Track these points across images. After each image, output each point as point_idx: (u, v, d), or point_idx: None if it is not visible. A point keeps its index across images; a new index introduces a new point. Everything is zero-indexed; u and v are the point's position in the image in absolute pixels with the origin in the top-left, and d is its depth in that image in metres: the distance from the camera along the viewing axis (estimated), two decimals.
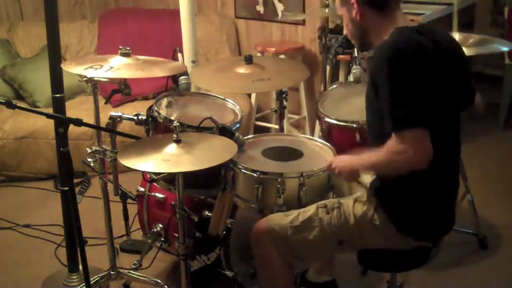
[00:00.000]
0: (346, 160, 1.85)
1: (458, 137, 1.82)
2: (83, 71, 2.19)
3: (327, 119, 2.47)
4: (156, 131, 2.28)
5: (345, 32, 1.89)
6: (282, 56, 3.88)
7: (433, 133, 1.60)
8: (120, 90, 2.26)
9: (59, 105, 2.41)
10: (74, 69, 2.21)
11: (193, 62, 3.13)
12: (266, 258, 1.94)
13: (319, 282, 2.33)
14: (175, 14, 3.22)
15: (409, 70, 1.60)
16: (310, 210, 1.90)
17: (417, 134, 1.58)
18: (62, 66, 2.31)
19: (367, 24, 1.78)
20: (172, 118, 2.20)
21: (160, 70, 2.33)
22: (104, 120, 2.31)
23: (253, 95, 4.10)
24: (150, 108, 2.34)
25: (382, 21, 1.75)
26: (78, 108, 3.77)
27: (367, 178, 2.03)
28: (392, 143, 1.61)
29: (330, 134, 2.49)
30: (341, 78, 3.77)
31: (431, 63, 1.64)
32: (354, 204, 1.86)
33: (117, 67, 2.22)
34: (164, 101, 2.40)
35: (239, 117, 2.36)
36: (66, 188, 2.38)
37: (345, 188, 2.13)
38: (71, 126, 1.90)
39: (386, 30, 1.72)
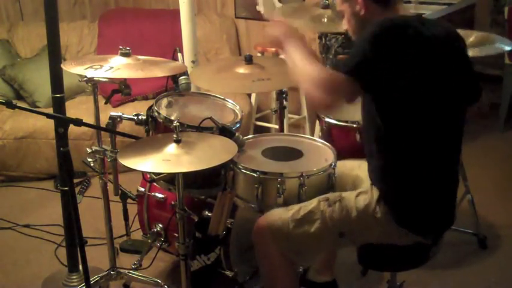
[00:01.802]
0: (290, 31, 1.88)
1: (461, 130, 1.83)
2: (83, 71, 2.19)
3: (327, 119, 2.47)
4: (156, 131, 2.28)
5: (344, 27, 1.89)
6: (282, 56, 3.87)
7: (434, 124, 1.61)
8: (120, 90, 2.26)
9: (59, 105, 2.41)
10: (74, 69, 2.21)
11: (193, 62, 3.12)
12: (268, 255, 1.94)
13: (319, 282, 2.33)
14: (175, 14, 3.21)
15: (383, 36, 1.61)
16: (312, 203, 1.90)
17: (348, 83, 1.60)
18: (62, 66, 2.31)
19: (371, 19, 1.77)
20: (172, 118, 2.20)
21: (160, 70, 2.33)
22: (104, 120, 2.31)
23: (253, 95, 4.10)
24: (150, 108, 2.34)
25: (386, 15, 1.75)
26: (78, 108, 3.77)
27: (364, 174, 2.03)
28: (327, 77, 1.63)
29: (330, 134, 2.49)
30: None
31: (419, 47, 1.64)
32: (356, 198, 1.86)
33: (117, 67, 2.22)
34: (164, 101, 2.40)
35: (239, 117, 2.36)
36: (66, 188, 2.39)
37: (347, 185, 2.13)
38: (71, 126, 1.90)
39: None
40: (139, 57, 2.34)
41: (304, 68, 1.71)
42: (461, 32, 2.85)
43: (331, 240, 1.90)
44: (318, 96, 1.63)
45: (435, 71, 1.69)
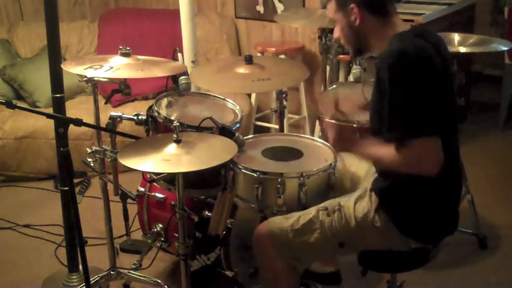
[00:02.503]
0: (356, 141, 1.86)
1: (457, 138, 1.83)
2: (82, 71, 2.19)
3: (327, 119, 2.47)
4: (156, 131, 2.28)
5: (335, 36, 1.87)
6: (282, 56, 3.88)
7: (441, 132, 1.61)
8: (120, 90, 2.26)
9: (59, 105, 2.41)
10: (74, 69, 2.21)
11: (193, 62, 3.12)
12: (269, 262, 1.94)
13: (323, 273, 2.32)
14: (175, 14, 3.21)
15: (418, 77, 1.60)
16: (311, 213, 1.89)
17: (429, 142, 1.60)
18: (62, 66, 2.31)
19: (366, 29, 1.78)
20: (172, 118, 2.20)
21: (160, 70, 2.33)
22: (104, 120, 2.31)
23: (253, 95, 4.10)
24: (150, 108, 2.34)
25: (382, 26, 1.76)
26: (78, 108, 3.77)
27: (363, 173, 2.03)
28: (405, 150, 1.61)
29: None
30: (341, 78, 3.76)
31: (435, 68, 1.65)
32: (355, 206, 1.86)
33: (117, 67, 2.22)
34: (164, 101, 2.40)
35: (239, 117, 2.36)
36: (66, 188, 2.39)
37: (346, 185, 2.13)
38: (71, 126, 1.91)
39: (386, 35, 1.73)
40: (139, 57, 2.34)
41: (389, 161, 1.68)
42: (461, 34, 2.87)
43: (331, 249, 1.90)
44: (413, 167, 1.63)
45: (444, 84, 1.70)
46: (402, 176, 1.69)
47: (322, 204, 1.92)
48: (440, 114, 1.64)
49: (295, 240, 1.87)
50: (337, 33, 1.86)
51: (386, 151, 1.68)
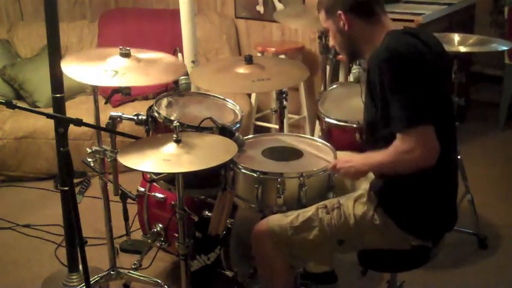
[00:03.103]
0: (351, 160, 1.86)
1: (454, 133, 1.85)
2: (79, 74, 2.18)
3: (327, 119, 2.47)
4: (156, 131, 2.28)
5: (331, 44, 1.90)
6: (282, 56, 3.88)
7: (437, 129, 1.62)
8: (120, 90, 2.26)
9: (59, 105, 2.41)
10: (71, 73, 2.20)
11: (193, 62, 3.12)
12: (267, 259, 1.94)
13: (318, 273, 2.32)
14: (175, 14, 3.21)
15: (408, 71, 1.62)
16: (310, 210, 1.90)
17: (423, 131, 1.60)
18: (61, 66, 2.30)
19: (356, 33, 1.79)
20: (172, 118, 2.20)
21: (162, 71, 2.32)
22: (104, 120, 2.31)
23: (253, 95, 4.10)
24: (150, 108, 2.34)
25: (372, 28, 1.77)
26: (78, 108, 3.77)
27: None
28: (399, 143, 1.63)
29: (330, 134, 2.49)
30: (341, 78, 3.77)
31: (427, 63, 1.66)
32: (354, 204, 1.87)
33: (122, 72, 2.20)
34: (164, 101, 2.40)
35: (239, 117, 2.36)
36: (66, 188, 2.38)
37: (347, 184, 2.13)
38: (71, 126, 1.90)
39: (378, 36, 1.74)
40: (139, 55, 2.33)
41: (388, 160, 1.69)
42: (461, 34, 2.88)
43: (330, 247, 1.90)
44: (409, 159, 1.62)
45: (437, 80, 1.71)
46: (400, 175, 1.69)
47: (321, 203, 1.92)
48: (433, 110, 1.65)
49: (294, 238, 1.87)
50: (331, 41, 1.89)
51: (382, 154, 1.69)
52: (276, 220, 1.92)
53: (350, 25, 1.78)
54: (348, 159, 1.88)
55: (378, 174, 1.86)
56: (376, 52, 1.68)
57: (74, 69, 2.19)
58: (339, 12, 1.77)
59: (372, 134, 1.82)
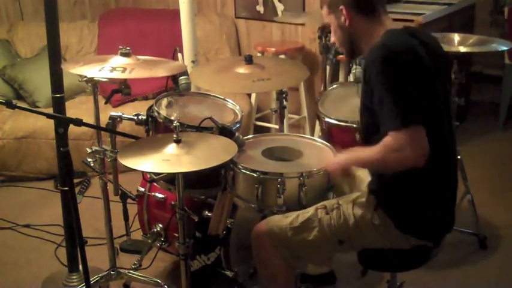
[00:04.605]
0: (340, 159, 1.86)
1: (453, 135, 1.85)
2: (83, 71, 2.19)
3: (327, 119, 2.47)
4: (156, 131, 2.28)
5: (332, 39, 1.91)
6: (282, 56, 3.88)
7: (430, 132, 1.61)
8: (120, 90, 2.26)
9: (59, 105, 2.41)
10: (74, 70, 2.21)
11: (193, 62, 3.12)
12: (267, 260, 1.94)
13: (316, 275, 2.32)
14: (175, 14, 3.22)
15: (402, 69, 1.62)
16: (309, 211, 1.90)
17: (414, 131, 1.60)
18: (61, 66, 2.31)
19: (356, 29, 1.80)
20: (172, 118, 2.20)
21: (160, 70, 2.33)
22: (104, 120, 2.31)
23: (253, 95, 4.10)
24: (150, 108, 2.34)
25: (372, 26, 1.78)
26: (78, 108, 3.77)
27: (364, 174, 2.03)
28: (389, 140, 1.62)
29: (330, 134, 2.49)
30: (341, 78, 3.77)
31: (422, 62, 1.67)
32: (354, 205, 1.87)
33: (131, 67, 2.21)
34: (164, 101, 2.40)
35: (239, 117, 2.36)
36: (66, 188, 2.38)
37: (345, 187, 2.13)
38: (71, 126, 1.90)
39: (376, 35, 1.74)
40: (140, 57, 2.34)
41: (375, 157, 1.68)
42: (461, 34, 2.88)
43: (331, 247, 1.90)
44: (398, 157, 1.61)
45: (434, 80, 1.71)
46: (395, 175, 1.70)
47: (320, 203, 1.92)
48: (427, 109, 1.65)
49: (294, 238, 1.87)
50: (332, 37, 1.89)
51: (370, 150, 1.69)
52: (276, 221, 1.92)
53: (351, 21, 1.78)
54: (337, 159, 1.89)
55: (376, 175, 1.86)
56: (372, 49, 1.68)
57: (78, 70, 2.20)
58: (341, 7, 1.78)
59: (368, 139, 1.83)
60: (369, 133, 1.83)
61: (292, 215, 1.91)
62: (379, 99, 1.64)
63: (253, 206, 2.06)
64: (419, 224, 1.79)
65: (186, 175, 1.92)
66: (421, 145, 1.60)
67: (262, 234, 1.92)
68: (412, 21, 3.48)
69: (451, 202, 1.87)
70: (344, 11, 1.78)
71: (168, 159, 1.84)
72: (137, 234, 2.81)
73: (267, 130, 4.03)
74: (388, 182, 1.79)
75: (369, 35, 1.77)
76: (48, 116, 1.99)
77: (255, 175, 2.01)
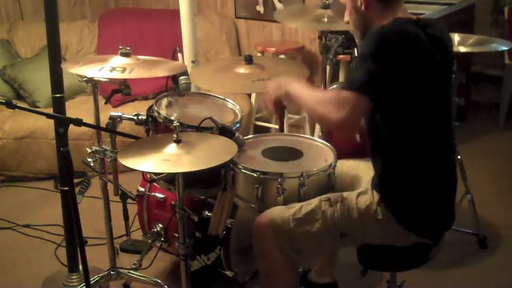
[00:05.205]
0: (284, 82, 1.90)
1: (453, 133, 1.86)
2: (83, 71, 2.19)
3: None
4: (156, 131, 2.28)
5: (345, 20, 1.93)
6: (282, 56, 3.88)
7: (429, 127, 1.61)
8: (120, 90, 2.26)
9: (59, 105, 2.41)
10: (74, 69, 2.21)
11: (193, 62, 3.13)
12: (266, 252, 1.93)
13: (320, 283, 2.32)
14: (175, 14, 3.22)
15: (384, 46, 1.64)
16: (313, 203, 1.89)
17: (360, 99, 1.63)
18: (61, 66, 2.31)
19: (371, 14, 1.81)
20: (172, 118, 2.20)
21: (160, 70, 2.33)
22: (104, 120, 2.31)
23: (253, 95, 4.10)
24: (150, 108, 2.34)
25: (385, 14, 1.79)
26: (78, 108, 3.77)
27: (364, 173, 2.03)
28: (337, 94, 1.68)
29: (330, 134, 2.49)
30: (341, 78, 3.77)
31: (415, 51, 1.67)
32: (357, 198, 1.87)
33: (131, 67, 2.21)
34: (164, 101, 2.40)
35: (239, 117, 2.36)
36: (66, 188, 2.39)
37: (347, 185, 2.13)
38: (71, 126, 1.90)
39: (386, 22, 1.75)
40: (140, 57, 2.34)
41: (311, 97, 1.77)
42: (461, 34, 2.88)
43: (332, 240, 1.90)
44: (328, 112, 1.67)
45: (434, 73, 1.71)
46: (397, 170, 1.70)
47: (324, 196, 1.92)
48: (424, 107, 1.66)
49: (296, 230, 1.86)
50: (346, 17, 1.92)
51: (317, 92, 1.76)
52: (278, 212, 1.91)
53: (367, 5, 1.80)
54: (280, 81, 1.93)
55: (379, 171, 1.85)
56: (372, 30, 1.72)
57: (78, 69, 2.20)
58: None
59: (368, 138, 1.83)
60: (369, 133, 1.83)
61: (296, 206, 1.91)
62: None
63: (253, 206, 2.06)
64: (420, 219, 1.79)
65: (186, 175, 1.92)
66: (356, 115, 1.66)
67: (263, 226, 1.90)
68: None
69: (451, 198, 1.88)
70: None
71: (168, 159, 1.84)
72: (137, 234, 2.81)
73: (267, 130, 4.03)
74: (391, 178, 1.80)
75: (380, 21, 1.78)
76: (48, 116, 1.99)
77: (255, 175, 2.01)
